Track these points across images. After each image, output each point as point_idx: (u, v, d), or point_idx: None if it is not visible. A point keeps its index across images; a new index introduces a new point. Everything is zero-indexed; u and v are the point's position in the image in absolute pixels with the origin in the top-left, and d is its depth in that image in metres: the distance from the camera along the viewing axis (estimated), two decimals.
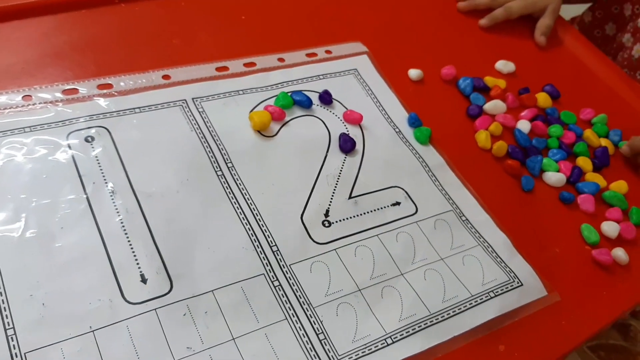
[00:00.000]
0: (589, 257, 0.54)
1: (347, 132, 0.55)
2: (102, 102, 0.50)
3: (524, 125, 0.63)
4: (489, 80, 0.67)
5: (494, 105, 0.63)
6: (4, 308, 0.37)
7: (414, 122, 0.58)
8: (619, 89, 0.73)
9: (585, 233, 0.55)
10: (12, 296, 0.37)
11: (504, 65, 0.70)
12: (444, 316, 0.45)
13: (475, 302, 0.46)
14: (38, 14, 0.56)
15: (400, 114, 0.60)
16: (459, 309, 0.46)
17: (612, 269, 0.53)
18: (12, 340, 0.36)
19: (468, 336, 0.45)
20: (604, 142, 0.65)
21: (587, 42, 0.79)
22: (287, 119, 0.55)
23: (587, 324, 0.48)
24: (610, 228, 0.56)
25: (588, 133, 0.65)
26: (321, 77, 0.60)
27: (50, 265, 0.39)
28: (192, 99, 0.53)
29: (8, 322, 0.36)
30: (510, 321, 0.47)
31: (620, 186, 0.60)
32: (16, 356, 0.35)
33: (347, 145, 0.54)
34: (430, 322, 0.44)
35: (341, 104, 0.58)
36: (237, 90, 0.56)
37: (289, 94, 0.56)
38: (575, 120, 0.67)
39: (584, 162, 0.61)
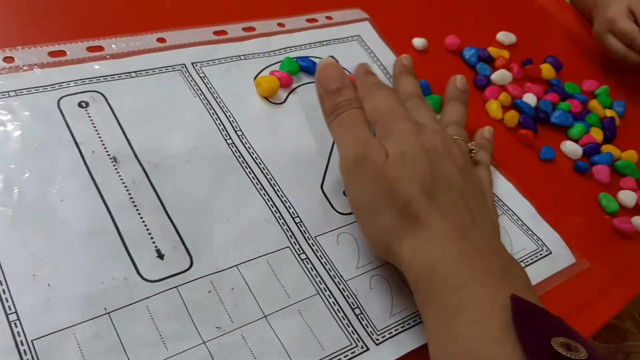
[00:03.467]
0: (610, 226, 0.52)
1: None
2: (94, 65, 0.45)
3: (530, 99, 0.60)
4: (492, 50, 0.65)
5: (501, 76, 0.61)
6: (3, 290, 0.32)
7: (424, 90, 0.55)
8: (618, 62, 0.72)
9: (603, 202, 0.53)
10: (12, 277, 0.32)
11: (505, 37, 0.68)
12: None
13: None
14: None
15: None
16: None
17: (635, 237, 0.52)
18: (16, 327, 0.31)
19: None
20: (609, 112, 0.64)
21: (581, 17, 0.79)
22: (294, 85, 0.51)
23: (622, 292, 0.46)
24: (627, 197, 0.54)
25: (594, 103, 0.63)
26: (324, 43, 0.57)
27: (54, 241, 0.34)
28: (192, 63, 0.49)
29: (9, 307, 0.31)
30: (542, 292, 0.44)
31: (631, 155, 0.59)
32: (22, 344, 0.30)
33: None
34: None
35: (348, 71, 0.55)
36: (239, 55, 0.51)
37: (295, 59, 0.52)
38: (580, 91, 0.65)
39: (596, 133, 0.60)
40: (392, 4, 0.66)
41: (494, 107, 0.58)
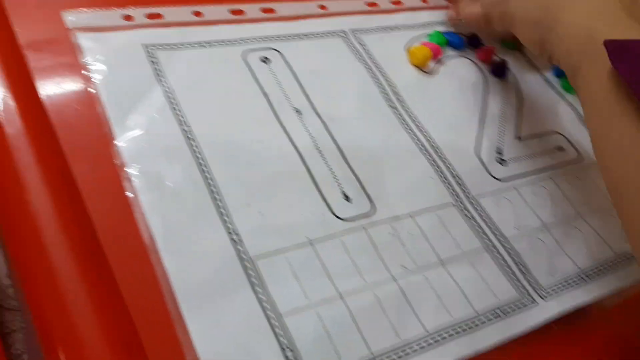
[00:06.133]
0: None
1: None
2: (269, 25, 0.49)
3: None
4: None
5: None
6: (227, 216, 0.35)
7: (561, 73, 0.57)
8: None
9: None
10: (231, 205, 0.36)
11: None
12: (628, 258, 0.44)
13: None
14: None
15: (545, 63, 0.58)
16: None
17: None
18: (238, 244, 0.34)
19: None
20: None
21: None
22: (441, 57, 0.54)
23: None
24: None
25: None
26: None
27: (260, 177, 0.38)
28: (351, 30, 0.52)
29: (233, 229, 0.35)
30: None
31: None
32: (244, 260, 0.34)
33: (499, 68, 0.54)
34: (619, 262, 0.43)
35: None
36: (390, 27, 0.54)
37: (442, 33, 0.55)
38: None
39: None
40: None
41: None
